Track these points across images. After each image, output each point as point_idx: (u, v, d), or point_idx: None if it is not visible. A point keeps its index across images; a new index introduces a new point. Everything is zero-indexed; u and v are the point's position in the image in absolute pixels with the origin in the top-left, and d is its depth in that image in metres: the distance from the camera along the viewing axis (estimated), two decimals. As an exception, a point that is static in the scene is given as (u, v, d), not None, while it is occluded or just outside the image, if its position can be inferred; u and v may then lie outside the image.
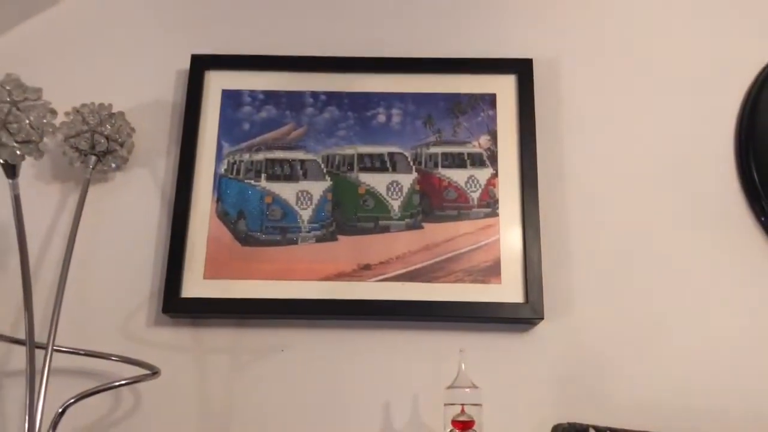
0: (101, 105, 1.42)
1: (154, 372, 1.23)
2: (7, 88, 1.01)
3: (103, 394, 1.32)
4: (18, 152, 1.02)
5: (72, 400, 1.14)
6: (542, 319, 1.35)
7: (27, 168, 1.49)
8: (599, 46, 1.55)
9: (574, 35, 1.56)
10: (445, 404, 1.18)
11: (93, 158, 1.39)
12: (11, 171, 1.06)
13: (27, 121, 1.02)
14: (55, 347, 1.19)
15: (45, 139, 1.06)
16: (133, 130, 1.45)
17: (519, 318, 1.35)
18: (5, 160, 1.02)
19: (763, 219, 1.43)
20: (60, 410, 1.12)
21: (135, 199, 1.47)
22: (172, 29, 1.59)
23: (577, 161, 1.48)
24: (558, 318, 1.38)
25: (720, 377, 1.35)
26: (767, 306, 1.39)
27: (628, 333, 1.37)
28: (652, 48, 1.55)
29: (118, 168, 1.46)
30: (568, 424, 1.20)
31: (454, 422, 1.15)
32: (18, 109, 1.01)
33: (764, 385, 1.34)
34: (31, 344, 1.11)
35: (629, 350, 1.36)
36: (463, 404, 1.16)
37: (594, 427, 1.20)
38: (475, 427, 1.15)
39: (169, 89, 1.54)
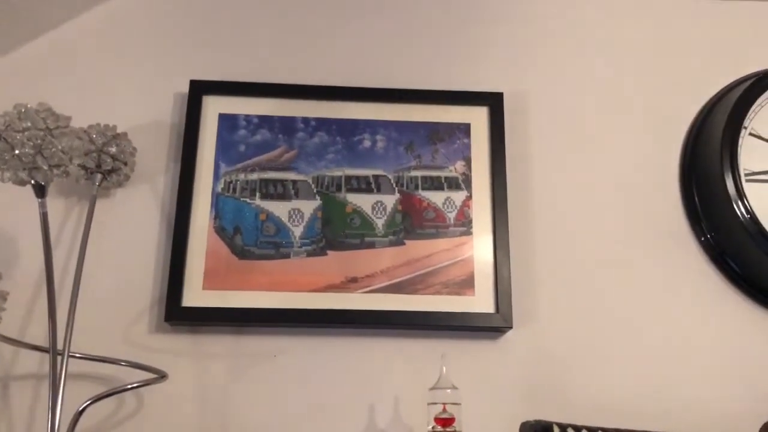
0: (107, 126, 1.52)
1: (162, 376, 1.33)
2: (42, 116, 1.11)
3: (108, 398, 1.42)
4: (50, 175, 1.12)
5: (90, 401, 1.23)
6: (511, 327, 1.50)
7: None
8: (563, 81, 1.73)
9: (540, 71, 1.73)
10: (429, 403, 1.32)
11: (99, 176, 1.49)
12: (41, 191, 1.16)
13: (59, 147, 1.12)
14: (70, 354, 1.28)
15: (73, 162, 1.16)
16: (135, 149, 1.55)
17: (490, 326, 1.51)
18: (37, 182, 1.12)
19: (702, 239, 1.62)
20: (79, 410, 1.22)
21: (136, 214, 1.57)
22: (172, 55, 1.69)
23: (542, 185, 1.64)
24: (525, 326, 1.54)
25: (668, 380, 1.52)
26: (707, 314, 1.58)
27: (587, 340, 1.54)
28: (611, 83, 1.73)
29: (119, 185, 1.56)
30: (535, 421, 1.35)
31: (437, 419, 1.29)
32: (52, 135, 1.11)
33: (704, 384, 1.52)
34: (54, 351, 1.20)
35: (589, 355, 1.53)
36: (444, 403, 1.30)
37: (557, 424, 1.35)
38: (455, 424, 1.29)
39: (168, 111, 1.65)
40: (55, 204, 1.56)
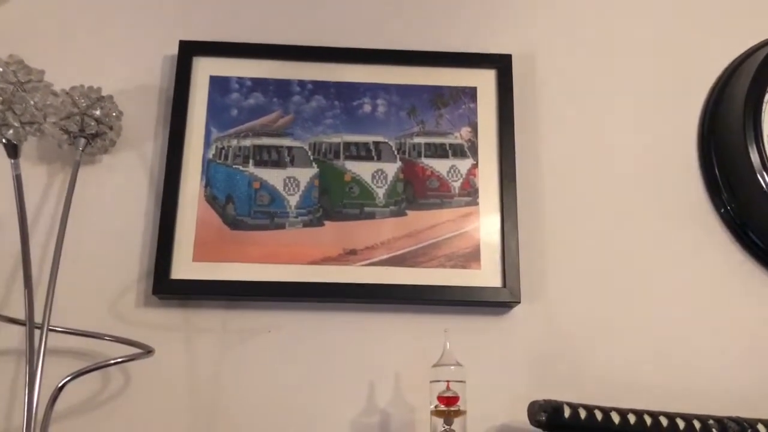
0: (91, 88, 1.43)
1: (149, 351, 1.25)
2: (13, 68, 1.02)
3: (94, 374, 1.35)
4: (22, 132, 1.04)
5: (69, 377, 1.16)
6: (519, 302, 1.42)
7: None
8: (574, 43, 1.63)
9: (550, 32, 1.64)
10: (431, 381, 1.24)
11: (82, 140, 1.40)
12: (14, 151, 1.08)
13: (32, 102, 1.03)
14: (50, 327, 1.20)
15: (48, 120, 1.07)
16: (121, 113, 1.47)
17: (497, 301, 1.42)
18: (8, 140, 1.04)
19: (722, 211, 1.53)
20: (59, 386, 1.14)
21: (123, 182, 1.49)
22: (160, 14, 1.60)
23: (553, 153, 1.55)
24: (534, 301, 1.46)
25: (685, 357, 1.44)
26: (725, 290, 1.49)
27: (600, 316, 1.46)
28: (625, 44, 1.64)
29: (105, 150, 1.47)
30: (544, 401, 1.28)
31: (440, 398, 1.21)
32: (23, 90, 1.02)
33: (722, 363, 1.44)
34: (31, 324, 1.12)
35: (601, 332, 1.45)
36: (448, 381, 1.22)
37: (568, 404, 1.27)
38: (459, 403, 1.21)
39: (156, 74, 1.56)
40: (37, 171, 1.48)
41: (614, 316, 1.46)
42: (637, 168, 1.56)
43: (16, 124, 1.02)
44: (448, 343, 1.26)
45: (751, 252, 1.51)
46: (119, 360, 1.22)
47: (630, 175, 1.55)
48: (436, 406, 1.23)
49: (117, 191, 1.48)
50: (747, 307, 1.48)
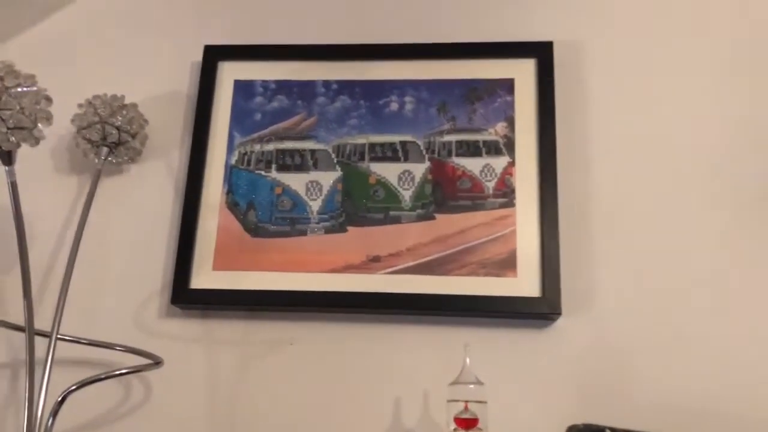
0: (113, 96, 1.42)
1: (157, 362, 1.21)
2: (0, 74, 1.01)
3: (113, 385, 1.33)
4: (11, 138, 1.02)
5: (73, 388, 1.13)
6: (559, 314, 1.28)
7: (46, 160, 1.51)
8: (622, 28, 1.47)
9: (595, 17, 1.48)
10: (448, 401, 1.12)
11: (105, 149, 1.40)
12: (7, 158, 1.06)
13: (18, 107, 1.01)
14: (58, 336, 1.19)
15: (40, 126, 1.05)
16: (146, 121, 1.45)
17: (535, 313, 1.29)
18: (-1, 147, 1.02)
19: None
20: (59, 398, 1.12)
21: (149, 191, 1.47)
22: (188, 21, 1.58)
23: (600, 149, 1.40)
24: (578, 314, 1.31)
25: (750, 381, 1.24)
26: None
27: (654, 330, 1.29)
28: (678, 26, 1.46)
29: (131, 160, 1.46)
30: (584, 425, 1.12)
31: (457, 419, 1.09)
32: (9, 95, 1.01)
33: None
34: (30, 332, 1.11)
35: (656, 349, 1.28)
36: (467, 401, 1.10)
37: (611, 429, 1.12)
38: (479, 425, 1.09)
39: (185, 81, 1.54)
40: (68, 181, 1.49)
41: (671, 331, 1.28)
42: (697, 163, 1.37)
43: (3, 130, 1.00)
44: (468, 359, 1.14)
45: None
46: (124, 371, 1.18)
47: (694, 171, 1.37)
48: (454, 429, 1.11)
49: (144, 200, 1.47)
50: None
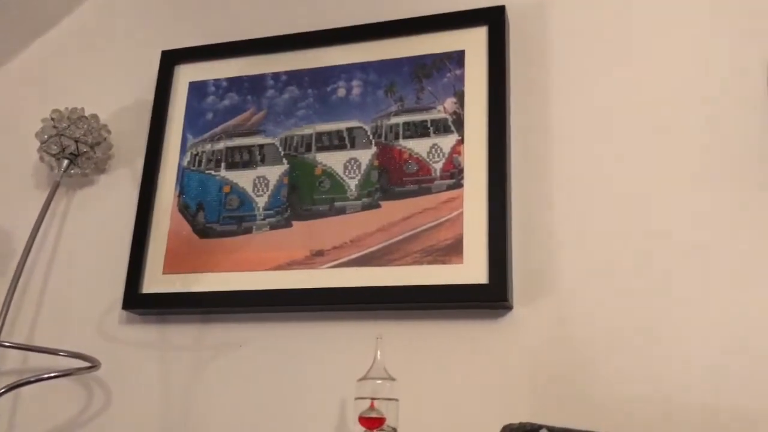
0: (72, 109, 1.45)
1: (93, 365, 1.20)
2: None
3: (71, 391, 1.34)
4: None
5: (2, 390, 1.14)
6: (506, 301, 1.14)
7: (26, 175, 1.57)
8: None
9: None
10: (356, 398, 1.02)
11: (65, 161, 1.42)
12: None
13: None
14: (1, 343, 1.21)
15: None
16: (108, 131, 1.47)
17: (481, 301, 1.16)
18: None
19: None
20: (-13, 403, 1.13)
21: (115, 199, 1.48)
22: (149, 30, 1.59)
23: (561, 122, 1.25)
24: (535, 302, 1.16)
25: (723, 376, 1.04)
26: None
27: (615, 321, 1.12)
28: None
29: (98, 169, 1.48)
30: (519, 424, 0.99)
31: (361, 419, 0.99)
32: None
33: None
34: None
35: (615, 341, 1.11)
36: (372, 398, 1.00)
37: (549, 428, 0.97)
38: (386, 425, 0.98)
39: (149, 89, 1.54)
40: (38, 195, 1.53)
41: (636, 320, 1.11)
42: (670, 134, 1.18)
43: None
44: (379, 352, 1.04)
45: None
46: (53, 375, 1.18)
47: (662, 144, 1.18)
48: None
49: (110, 208, 1.48)
50: None
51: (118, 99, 1.55)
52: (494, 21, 1.30)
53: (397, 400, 1.01)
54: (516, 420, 1.09)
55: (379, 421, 0.98)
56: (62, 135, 1.41)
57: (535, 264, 1.18)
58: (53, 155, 1.43)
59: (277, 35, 1.44)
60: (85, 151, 1.43)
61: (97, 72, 1.60)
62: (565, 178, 1.21)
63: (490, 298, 1.15)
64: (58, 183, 1.41)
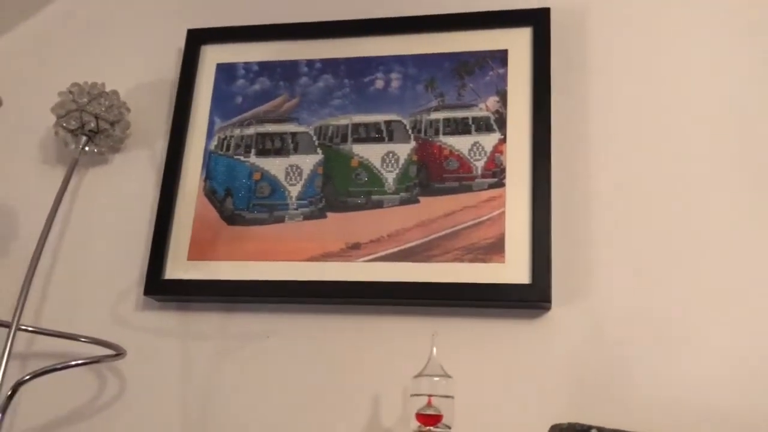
0: (92, 84, 1.39)
1: (119, 353, 1.16)
2: None
3: (86, 378, 1.28)
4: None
5: (26, 378, 1.09)
6: (548, 302, 1.15)
7: (33, 151, 1.49)
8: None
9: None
10: (411, 395, 1.02)
11: (83, 138, 1.36)
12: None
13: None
14: (20, 327, 1.15)
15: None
16: (128, 109, 1.41)
17: (523, 301, 1.16)
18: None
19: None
20: (9, 392, 1.08)
21: (132, 181, 1.43)
22: (172, 6, 1.54)
23: (601, 124, 1.26)
24: (573, 302, 1.17)
25: (760, 379, 1.08)
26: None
27: (651, 324, 1.14)
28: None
29: (114, 148, 1.43)
30: (568, 424, 1.00)
31: (419, 415, 0.99)
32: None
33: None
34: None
35: (656, 342, 1.13)
36: (430, 395, 0.99)
37: (599, 429, 0.98)
38: (443, 422, 0.98)
39: (170, 68, 1.49)
40: (51, 173, 1.46)
41: (676, 321, 1.13)
42: (709, 140, 1.21)
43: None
44: (435, 349, 1.03)
45: None
46: (81, 362, 1.13)
47: (708, 147, 1.21)
48: (419, 427, 1.00)
49: (126, 190, 1.43)
50: None
51: (136, 76, 1.50)
52: (539, 22, 1.30)
53: (452, 397, 1.01)
54: (556, 419, 1.11)
55: (437, 418, 0.98)
56: (83, 110, 1.35)
57: (572, 265, 1.19)
58: (71, 131, 1.36)
59: (313, 21, 1.41)
60: (105, 129, 1.37)
61: (116, 47, 1.54)
62: (602, 181, 1.23)
63: (533, 298, 1.15)
64: (76, 160, 1.35)
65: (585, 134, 1.26)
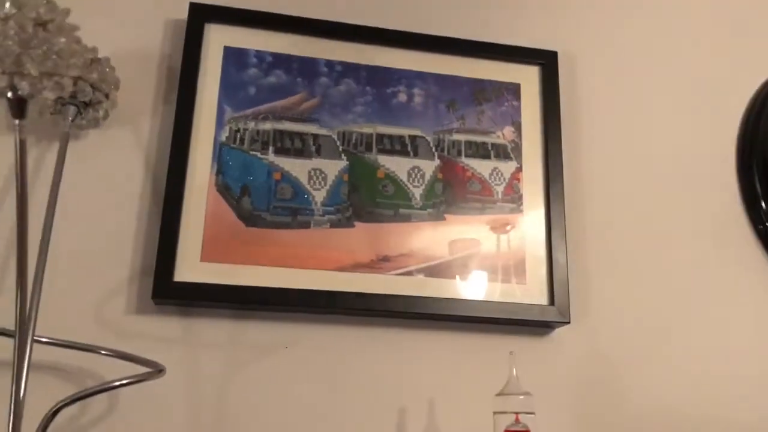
0: (85, 47, 1.18)
1: (159, 370, 1.02)
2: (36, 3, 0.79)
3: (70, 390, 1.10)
4: (38, 86, 0.81)
5: (65, 402, 0.92)
6: (568, 322, 1.28)
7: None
8: (620, 44, 1.52)
9: (596, 31, 1.52)
10: (495, 413, 1.08)
11: (72, 108, 1.16)
12: (21, 109, 0.84)
13: (55, 49, 0.80)
14: (35, 338, 0.96)
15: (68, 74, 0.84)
16: (118, 81, 1.23)
17: (544, 321, 1.28)
18: (20, 95, 0.80)
19: (760, 227, 1.45)
20: (51, 412, 0.90)
21: (113, 163, 1.25)
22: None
23: (594, 161, 1.43)
24: (579, 322, 1.32)
25: (728, 387, 1.34)
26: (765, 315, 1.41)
27: (641, 341, 1.34)
28: (666, 51, 1.54)
29: (96, 124, 1.23)
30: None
31: (508, 431, 1.05)
32: (46, 30, 0.79)
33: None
34: (21, 335, 0.88)
35: (643, 359, 1.33)
36: (517, 413, 1.06)
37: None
38: (528, 438, 1.06)
39: (158, 40, 1.33)
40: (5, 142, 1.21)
41: (659, 340, 1.35)
42: (676, 177, 1.46)
43: (35, 74, 0.78)
44: (515, 369, 1.10)
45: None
46: (125, 381, 0.98)
47: (669, 186, 1.45)
48: (505, 442, 1.06)
49: (106, 174, 1.24)
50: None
51: (118, 45, 1.30)
52: (547, 63, 1.42)
53: (534, 413, 1.08)
54: (564, 423, 1.25)
55: (525, 433, 1.05)
56: (80, 77, 1.14)
57: (578, 287, 1.34)
58: (57, 99, 1.15)
59: (331, 20, 1.36)
60: (99, 101, 1.18)
61: (97, 7, 1.31)
62: (595, 212, 1.40)
63: (553, 318, 1.27)
64: (68, 135, 1.14)
65: (583, 169, 1.42)
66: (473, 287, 1.27)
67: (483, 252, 1.30)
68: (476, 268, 1.28)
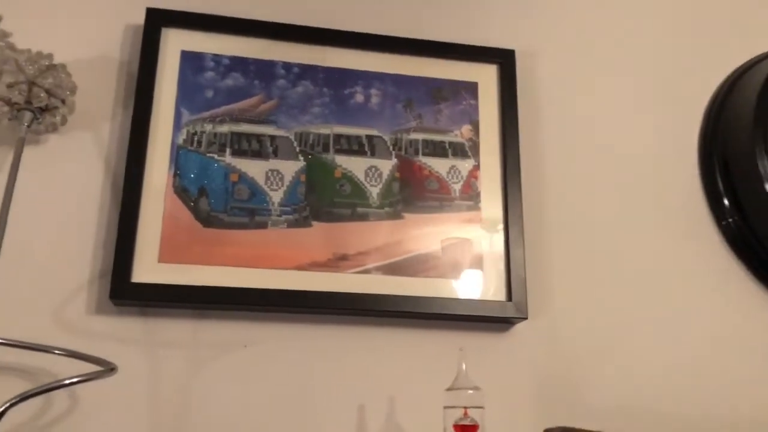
0: (39, 53, 1.20)
1: (111, 368, 1.04)
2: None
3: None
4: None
5: (15, 400, 0.93)
6: (526, 318, 1.29)
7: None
8: (576, 44, 1.54)
9: (553, 30, 1.54)
10: (445, 407, 1.09)
11: (28, 114, 1.18)
12: None
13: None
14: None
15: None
16: (75, 86, 1.24)
17: (502, 317, 1.29)
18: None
19: (723, 223, 1.46)
20: (-1, 412, 0.92)
21: (73, 167, 1.26)
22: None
23: (554, 157, 1.44)
24: (537, 317, 1.33)
25: (686, 380, 1.35)
26: (730, 310, 1.42)
27: (602, 334, 1.35)
28: (626, 48, 1.56)
29: (55, 129, 1.24)
30: (560, 429, 1.15)
31: (456, 426, 1.06)
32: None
33: (731, 387, 1.36)
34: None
35: (604, 352, 1.34)
36: (466, 407, 1.07)
37: None
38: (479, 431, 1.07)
39: (116, 45, 1.34)
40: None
41: (618, 334, 1.36)
42: (637, 174, 1.47)
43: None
44: (464, 364, 1.12)
45: (750, 265, 1.44)
46: (75, 380, 1.00)
47: (630, 182, 1.46)
48: (452, 436, 1.08)
49: (66, 178, 1.26)
50: (753, 324, 1.41)
51: (76, 50, 1.31)
52: (505, 62, 1.44)
53: (483, 408, 1.09)
54: (527, 420, 1.26)
55: (474, 428, 1.06)
56: (33, 83, 1.17)
57: (536, 283, 1.35)
58: (12, 105, 1.17)
59: (288, 23, 1.38)
60: (55, 107, 1.20)
61: (55, 13, 1.33)
62: (555, 209, 1.41)
63: (511, 314, 1.29)
64: (23, 140, 1.16)
65: (542, 167, 1.43)
66: (432, 284, 1.29)
67: (441, 249, 1.31)
68: (435, 265, 1.30)
